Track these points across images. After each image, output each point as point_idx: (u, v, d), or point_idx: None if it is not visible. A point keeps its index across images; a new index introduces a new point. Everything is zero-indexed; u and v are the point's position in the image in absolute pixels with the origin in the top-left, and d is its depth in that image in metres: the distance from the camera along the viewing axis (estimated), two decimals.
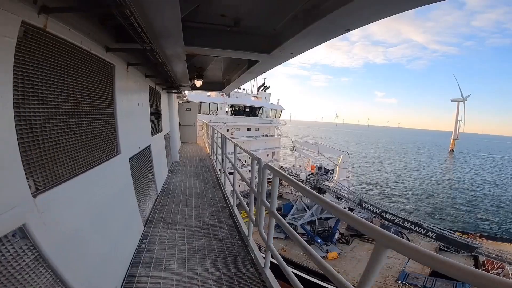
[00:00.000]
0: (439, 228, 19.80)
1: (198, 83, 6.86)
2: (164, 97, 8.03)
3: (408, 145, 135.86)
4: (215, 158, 8.45)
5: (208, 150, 11.81)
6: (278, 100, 36.47)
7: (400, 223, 20.58)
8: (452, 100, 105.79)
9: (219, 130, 8.04)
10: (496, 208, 35.58)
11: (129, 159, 3.57)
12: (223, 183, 6.16)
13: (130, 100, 3.86)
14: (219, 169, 7.28)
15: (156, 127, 6.01)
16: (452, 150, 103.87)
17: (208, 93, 29.08)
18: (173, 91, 8.90)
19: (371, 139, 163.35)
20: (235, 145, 4.70)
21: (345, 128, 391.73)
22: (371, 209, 22.03)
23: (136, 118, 4.26)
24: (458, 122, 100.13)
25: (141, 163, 4.31)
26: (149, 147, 4.98)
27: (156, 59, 3.56)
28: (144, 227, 3.95)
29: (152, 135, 5.47)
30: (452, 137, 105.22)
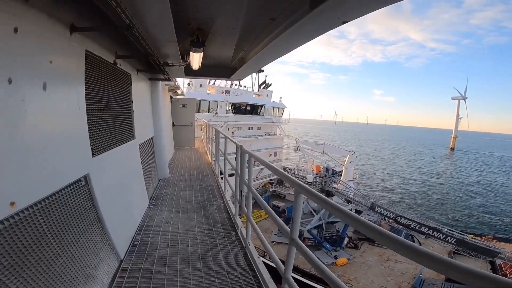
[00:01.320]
0: (458, 233, 19.01)
1: (196, 60, 4.37)
2: (142, 85, 5.45)
3: (408, 143, 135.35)
4: (220, 171, 6.05)
5: (210, 158, 9.18)
6: (280, 98, 35.36)
7: (416, 228, 19.73)
8: (453, 98, 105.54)
9: (220, 129, 6.00)
10: (503, 209, 34.49)
11: None
12: (243, 232, 3.46)
13: None
14: (227, 184, 4.86)
15: (116, 134, 3.48)
16: (452, 148, 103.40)
17: (208, 90, 27.80)
18: (159, 77, 6.03)
19: (371, 137, 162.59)
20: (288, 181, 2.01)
21: (345, 126, 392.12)
22: (385, 213, 20.82)
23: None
24: (459, 120, 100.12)
25: (41, 239, 1.75)
26: (84, 181, 2.44)
27: None
28: None
29: (100, 152, 2.85)
30: (453, 135, 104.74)
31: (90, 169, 2.53)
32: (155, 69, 4.98)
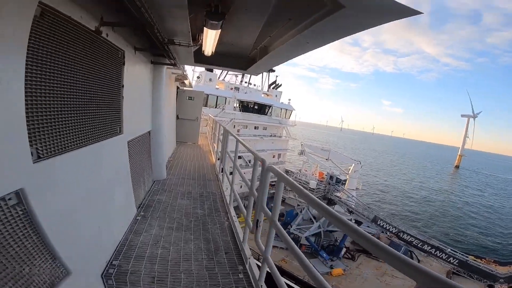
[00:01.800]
0: (461, 254, 18.70)
1: (210, 41, 3.50)
2: (141, 68, 4.56)
3: (412, 157, 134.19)
4: (227, 186, 5.03)
5: (214, 158, 8.22)
6: (289, 99, 34.70)
7: (418, 245, 19.18)
8: (463, 115, 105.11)
9: (226, 126, 5.27)
10: (501, 232, 33.78)
11: None
12: (252, 267, 2.84)
13: None
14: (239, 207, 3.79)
15: (90, 127, 2.58)
16: (457, 166, 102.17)
17: (217, 85, 27.30)
18: (164, 61, 5.11)
19: (375, 147, 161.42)
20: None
21: (350, 133, 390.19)
22: (387, 227, 20.27)
23: None
24: (466, 138, 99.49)
25: None
26: (15, 199, 1.64)
27: None
28: None
29: (53, 154, 1.95)
30: (459, 153, 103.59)
31: (27, 180, 1.67)
32: (158, 48, 3.99)
